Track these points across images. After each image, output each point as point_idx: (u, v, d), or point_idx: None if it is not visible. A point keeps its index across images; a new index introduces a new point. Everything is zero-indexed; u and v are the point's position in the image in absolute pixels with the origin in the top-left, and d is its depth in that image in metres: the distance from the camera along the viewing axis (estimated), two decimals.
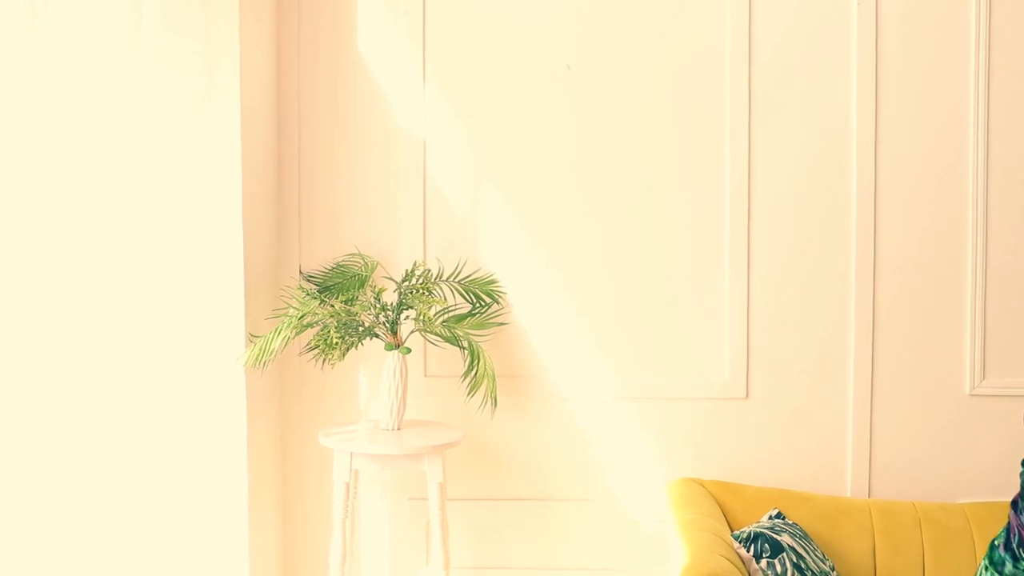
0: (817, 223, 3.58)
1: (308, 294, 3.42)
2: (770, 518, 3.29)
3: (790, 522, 3.26)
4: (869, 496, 3.58)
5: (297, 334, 3.32)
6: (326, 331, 3.31)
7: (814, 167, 3.57)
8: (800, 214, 3.58)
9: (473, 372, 3.36)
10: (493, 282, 3.55)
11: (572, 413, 3.63)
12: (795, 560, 3.04)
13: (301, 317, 3.29)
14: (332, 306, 3.32)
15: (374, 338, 3.41)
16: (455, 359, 3.48)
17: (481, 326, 3.46)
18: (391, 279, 3.53)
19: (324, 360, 3.36)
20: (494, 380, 3.39)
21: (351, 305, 3.35)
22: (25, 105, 2.41)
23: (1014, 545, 2.96)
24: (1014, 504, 2.99)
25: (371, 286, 3.47)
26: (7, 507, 2.41)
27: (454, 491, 3.59)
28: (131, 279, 2.81)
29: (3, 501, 2.40)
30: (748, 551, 3.04)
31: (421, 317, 3.36)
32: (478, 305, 3.51)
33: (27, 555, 2.47)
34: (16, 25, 2.37)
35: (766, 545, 3.04)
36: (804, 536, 3.19)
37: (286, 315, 3.28)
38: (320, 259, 3.62)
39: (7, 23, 2.35)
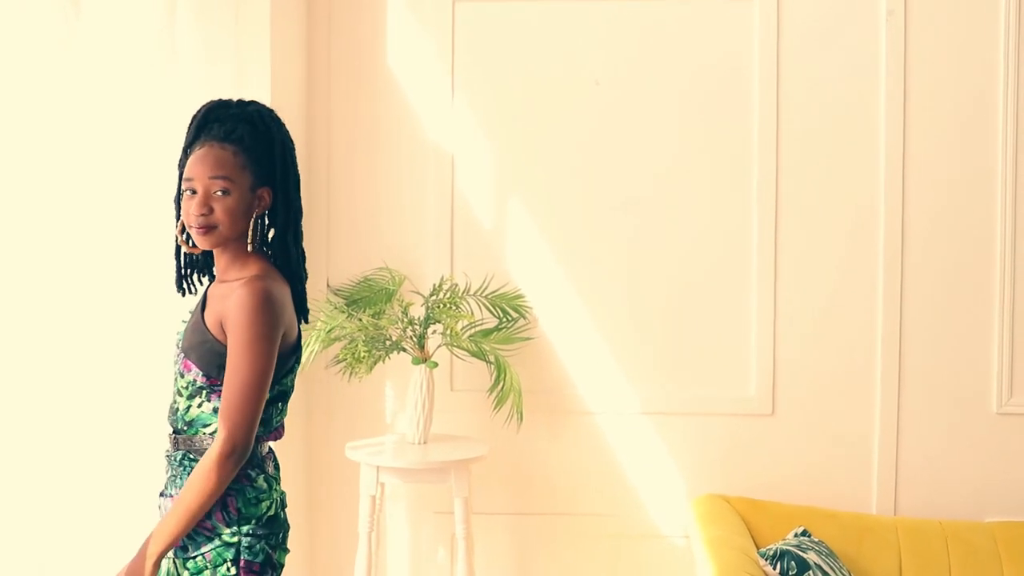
0: (845, 238, 3.58)
1: (336, 308, 3.44)
2: (796, 535, 3.28)
3: (816, 539, 3.25)
4: (895, 514, 3.56)
5: (325, 347, 3.35)
6: (354, 344, 3.33)
7: (843, 181, 3.57)
8: (828, 229, 3.58)
9: (499, 386, 3.38)
10: (520, 297, 3.56)
11: (598, 428, 3.63)
12: None
13: (329, 331, 3.32)
14: (360, 320, 3.34)
15: (401, 352, 3.42)
16: (481, 373, 3.50)
17: (507, 341, 3.47)
18: (419, 293, 3.55)
19: (351, 373, 3.38)
20: (520, 395, 3.40)
21: (379, 319, 3.36)
22: (57, 128, 2.44)
23: None
24: None
25: (399, 300, 3.48)
26: (20, 521, 2.42)
27: (480, 505, 3.60)
28: (162, 294, 2.84)
29: (16, 514, 2.41)
30: (774, 569, 3.03)
31: (448, 331, 3.38)
32: (505, 320, 3.52)
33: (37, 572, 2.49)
34: (50, 47, 2.39)
35: (792, 563, 3.03)
36: (830, 554, 3.18)
37: (314, 329, 3.31)
38: (348, 273, 3.65)
39: (41, 46, 2.38)
